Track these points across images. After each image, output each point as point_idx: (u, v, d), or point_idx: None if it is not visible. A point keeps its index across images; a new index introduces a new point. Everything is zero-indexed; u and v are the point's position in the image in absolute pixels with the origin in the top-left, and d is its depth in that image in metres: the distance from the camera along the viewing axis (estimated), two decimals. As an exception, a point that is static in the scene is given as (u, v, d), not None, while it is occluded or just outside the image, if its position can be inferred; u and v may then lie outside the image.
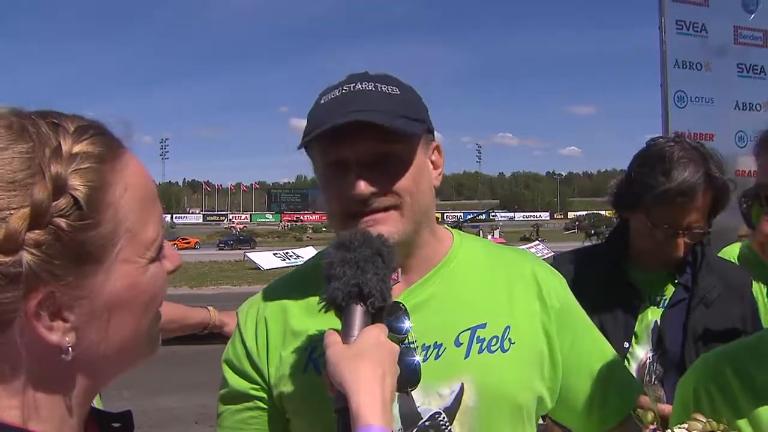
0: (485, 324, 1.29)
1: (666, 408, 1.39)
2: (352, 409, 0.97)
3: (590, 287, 1.95)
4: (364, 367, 1.01)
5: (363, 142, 1.22)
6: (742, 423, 1.12)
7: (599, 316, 1.88)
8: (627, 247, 2.11)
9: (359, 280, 1.06)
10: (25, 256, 0.67)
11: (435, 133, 1.37)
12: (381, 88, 1.27)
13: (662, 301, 2.04)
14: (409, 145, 1.27)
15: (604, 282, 2.03)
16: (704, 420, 1.03)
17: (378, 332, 1.07)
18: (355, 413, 0.97)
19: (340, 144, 1.23)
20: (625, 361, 1.90)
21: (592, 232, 57.68)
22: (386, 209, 1.24)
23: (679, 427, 1.02)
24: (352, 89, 1.27)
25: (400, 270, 1.16)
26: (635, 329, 2.01)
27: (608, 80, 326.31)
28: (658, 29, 3.94)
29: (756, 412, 1.12)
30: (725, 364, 1.21)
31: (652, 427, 1.05)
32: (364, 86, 1.27)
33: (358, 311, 1.07)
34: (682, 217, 1.93)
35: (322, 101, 1.28)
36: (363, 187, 1.21)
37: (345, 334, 1.06)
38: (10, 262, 0.67)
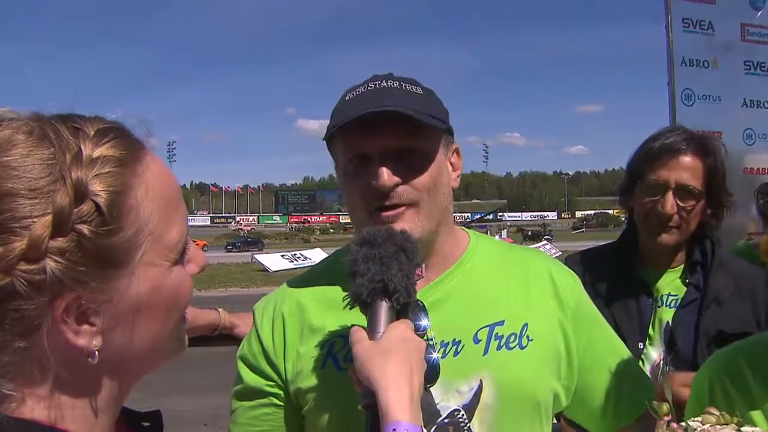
0: (503, 321, 1.30)
1: (686, 393, 1.38)
2: (381, 406, 0.98)
3: (602, 288, 2.00)
4: (392, 363, 1.02)
5: (387, 136, 1.24)
6: (757, 416, 1.13)
7: (613, 317, 1.90)
8: (637, 248, 2.11)
9: (384, 276, 1.08)
10: (49, 264, 0.68)
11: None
12: (405, 86, 1.30)
13: (674, 302, 2.03)
14: (432, 143, 1.29)
15: (616, 282, 2.03)
16: (718, 413, 1.03)
17: (404, 328, 1.08)
18: (384, 409, 0.98)
19: (364, 137, 1.25)
20: (640, 363, 1.89)
21: (529, 233, 58.47)
22: (405, 206, 1.25)
23: (694, 420, 1.03)
24: (378, 86, 1.29)
25: (424, 265, 1.18)
26: (648, 330, 2.00)
27: (615, 79, 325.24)
28: (664, 27, 3.93)
29: None
30: (740, 358, 1.22)
31: (667, 418, 1.05)
32: (389, 84, 1.30)
33: (384, 307, 1.08)
34: (669, 173, 1.97)
35: (348, 98, 1.31)
36: (386, 176, 1.23)
37: (371, 330, 1.08)
38: (35, 270, 0.67)
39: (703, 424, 1.01)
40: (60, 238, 0.68)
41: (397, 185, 1.24)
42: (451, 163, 1.36)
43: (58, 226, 0.68)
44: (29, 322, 0.69)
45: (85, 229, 0.69)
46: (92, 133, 0.74)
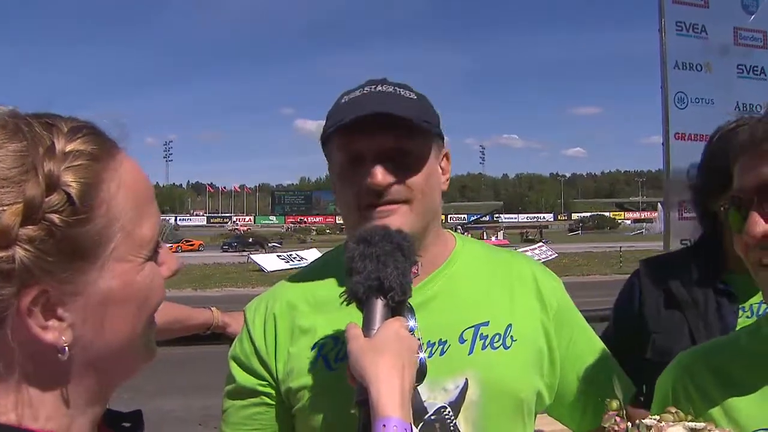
0: (488, 322, 1.33)
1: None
2: (372, 401, 1.01)
3: (679, 296, 1.80)
4: (384, 360, 1.05)
5: (382, 137, 1.28)
6: (718, 415, 1.14)
7: (689, 327, 1.74)
8: (721, 250, 1.80)
9: (380, 274, 1.10)
10: (19, 252, 0.68)
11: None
12: (399, 91, 1.34)
13: (759, 309, 1.75)
14: (424, 145, 1.33)
15: (695, 290, 1.80)
16: (674, 411, 1.06)
17: (398, 326, 1.11)
18: (375, 405, 1.00)
19: (359, 138, 1.28)
20: None
21: (529, 236, 59.50)
22: (398, 202, 1.28)
23: (651, 418, 1.04)
24: (373, 90, 1.34)
25: (419, 264, 1.19)
26: None
27: (613, 81, 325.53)
28: (658, 31, 3.95)
29: (730, 404, 1.15)
30: (700, 360, 1.24)
31: (612, 412, 1.07)
32: (384, 88, 1.34)
33: (379, 305, 1.11)
34: None
35: (344, 100, 1.34)
36: (380, 176, 1.26)
37: (366, 327, 1.10)
38: (4, 258, 0.67)
39: (660, 422, 1.03)
40: (30, 227, 0.69)
41: (391, 185, 1.28)
42: (441, 167, 1.40)
43: (28, 215, 0.69)
44: None
45: (55, 218, 0.70)
46: (66, 129, 0.75)
